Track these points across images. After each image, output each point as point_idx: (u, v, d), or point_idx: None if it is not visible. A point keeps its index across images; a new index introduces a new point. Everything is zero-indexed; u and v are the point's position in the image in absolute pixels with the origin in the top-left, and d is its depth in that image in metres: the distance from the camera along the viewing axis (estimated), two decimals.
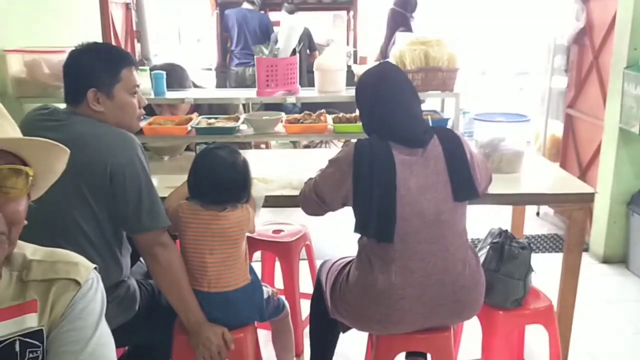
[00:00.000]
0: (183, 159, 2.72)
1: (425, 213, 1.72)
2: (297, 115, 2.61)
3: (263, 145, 4.87)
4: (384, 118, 1.79)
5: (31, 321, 0.96)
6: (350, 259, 1.97)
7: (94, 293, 1.04)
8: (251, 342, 1.91)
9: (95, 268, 1.07)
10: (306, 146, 5.41)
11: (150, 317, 1.87)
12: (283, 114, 2.57)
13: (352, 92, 2.60)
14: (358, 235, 1.82)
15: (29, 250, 1.02)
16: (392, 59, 2.50)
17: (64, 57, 1.81)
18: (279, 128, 2.49)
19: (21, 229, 0.94)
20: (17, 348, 0.94)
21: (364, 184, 1.73)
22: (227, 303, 1.83)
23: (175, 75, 2.74)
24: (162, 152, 2.73)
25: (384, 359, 1.87)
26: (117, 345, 1.85)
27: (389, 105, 1.78)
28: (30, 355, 0.96)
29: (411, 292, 1.73)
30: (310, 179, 1.96)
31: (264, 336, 2.33)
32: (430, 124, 2.17)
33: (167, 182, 2.13)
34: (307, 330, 2.42)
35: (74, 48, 1.80)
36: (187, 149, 2.84)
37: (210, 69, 6.80)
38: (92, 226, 1.69)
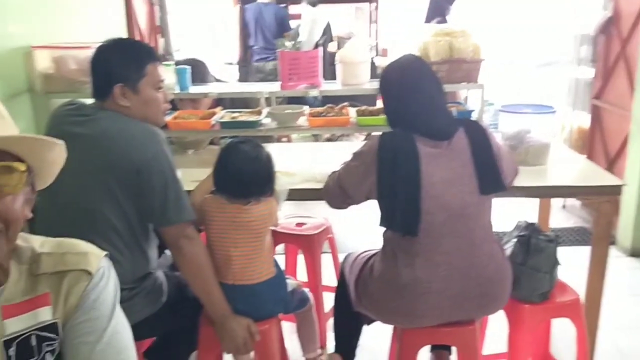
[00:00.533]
0: (207, 153, 2.74)
1: (450, 206, 1.71)
2: (319, 109, 2.61)
3: (285, 139, 4.88)
4: (409, 110, 1.78)
5: (45, 314, 0.96)
6: (374, 251, 1.97)
7: (106, 282, 1.03)
8: (276, 334, 1.92)
9: (106, 255, 1.06)
10: (328, 139, 5.39)
11: (177, 308, 1.90)
12: (306, 107, 2.57)
13: (375, 84, 2.61)
14: (381, 229, 1.82)
15: (37, 242, 1.01)
16: (416, 50, 2.48)
17: (90, 53, 1.83)
18: (302, 121, 2.49)
19: (21, 225, 0.92)
20: (34, 342, 0.95)
21: (388, 178, 1.72)
22: (252, 295, 1.85)
23: (197, 70, 2.76)
24: (187, 146, 2.75)
25: (409, 352, 1.87)
26: (145, 336, 1.91)
27: (413, 97, 1.77)
28: (47, 349, 0.96)
29: (436, 286, 1.72)
30: (334, 172, 1.96)
31: (288, 328, 2.34)
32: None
33: (192, 176, 2.15)
34: (330, 323, 2.44)
35: (100, 44, 1.82)
36: (211, 142, 2.86)
37: (232, 64, 6.83)
38: (120, 220, 1.72)
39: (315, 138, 5.25)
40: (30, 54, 2.47)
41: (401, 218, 1.71)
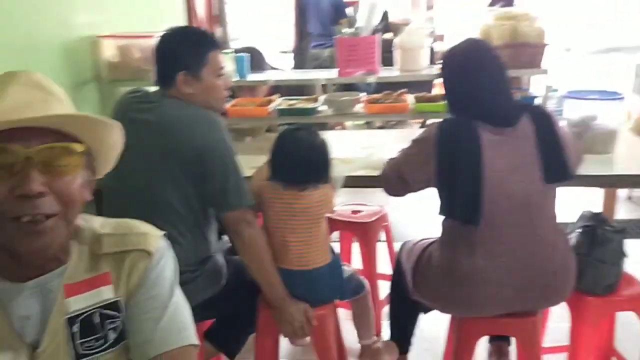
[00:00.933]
0: (264, 140, 2.76)
1: (513, 195, 1.66)
2: (377, 95, 2.59)
3: (339, 127, 4.87)
4: (471, 95, 1.73)
5: (107, 293, 0.99)
6: (432, 240, 1.94)
7: (165, 261, 1.05)
8: (332, 319, 1.93)
9: (164, 235, 1.08)
10: (380, 127, 5.35)
11: (236, 291, 1.93)
12: (364, 93, 2.56)
13: (434, 70, 2.56)
14: (439, 217, 1.79)
15: (97, 223, 1.03)
16: (478, 34, 2.42)
17: (153, 41, 1.87)
18: (358, 108, 2.48)
19: (79, 207, 0.93)
20: (97, 320, 0.97)
21: (448, 165, 1.69)
22: (308, 281, 1.86)
23: (254, 59, 2.79)
24: (244, 134, 2.79)
25: (467, 342, 1.85)
26: (205, 318, 1.96)
27: (476, 81, 1.73)
28: (110, 326, 0.99)
29: (497, 276, 1.68)
30: (392, 159, 1.95)
31: (343, 315, 2.35)
32: None
33: (250, 163, 2.17)
34: (385, 311, 2.44)
35: (164, 32, 1.86)
36: (268, 130, 2.89)
37: (287, 52, 6.85)
38: (182, 204, 1.77)
39: (369, 125, 5.22)
40: (96, 43, 2.55)
41: (462, 206, 1.68)
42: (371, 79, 2.45)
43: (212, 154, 1.73)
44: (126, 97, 1.90)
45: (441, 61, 1.90)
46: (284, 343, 2.16)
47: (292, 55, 6.70)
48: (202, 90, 1.83)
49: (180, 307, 1.04)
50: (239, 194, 1.77)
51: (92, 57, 2.55)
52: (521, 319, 1.79)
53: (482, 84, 1.73)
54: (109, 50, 2.59)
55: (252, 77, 2.65)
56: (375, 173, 2.06)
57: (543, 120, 1.72)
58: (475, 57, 1.78)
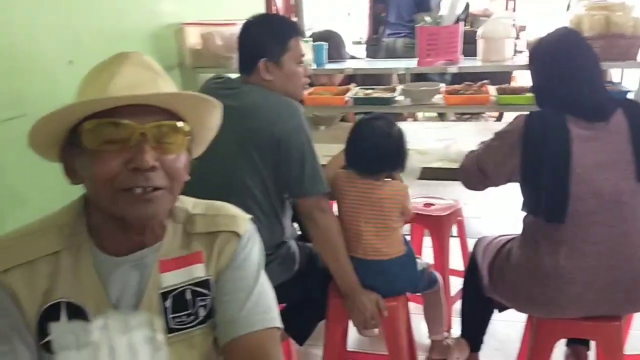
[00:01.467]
0: (338, 129, 2.77)
1: (603, 193, 1.58)
2: (457, 86, 2.53)
3: (410, 119, 4.80)
4: (562, 88, 1.65)
5: (199, 271, 1.01)
6: (511, 236, 1.88)
7: (252, 244, 1.07)
8: (403, 312, 1.91)
9: (251, 219, 1.11)
10: (451, 119, 5.21)
11: (308, 277, 1.95)
12: (442, 84, 2.50)
13: (518, 61, 2.47)
14: (517, 213, 1.73)
15: (190, 204, 1.06)
16: (568, 24, 2.30)
17: (234, 29, 1.91)
18: (437, 99, 2.43)
19: (182, 185, 0.97)
20: (188, 296, 1.00)
21: (534, 160, 1.63)
22: (381, 272, 1.85)
23: (333, 43, 2.77)
24: (319, 122, 2.80)
25: (544, 343, 1.78)
26: (277, 302, 1.98)
27: (568, 73, 1.65)
28: (201, 304, 1.01)
29: (582, 277, 1.61)
30: (472, 151, 1.89)
31: (413, 308, 2.32)
32: None
33: (323, 152, 2.18)
34: (456, 307, 2.38)
35: (247, 20, 1.89)
36: (342, 119, 2.89)
37: (360, 42, 6.80)
38: (259, 189, 1.79)
39: (441, 117, 5.11)
40: (181, 30, 2.62)
41: (547, 203, 1.61)
42: (452, 69, 2.39)
43: (290, 140, 1.74)
44: (209, 83, 1.94)
45: (529, 51, 1.83)
46: (351, 332, 2.16)
47: (365, 46, 6.65)
48: (282, 77, 1.84)
49: (266, 291, 1.06)
50: (315, 181, 1.78)
51: (176, 44, 2.62)
52: (605, 323, 1.70)
53: (573, 76, 1.65)
54: (192, 38, 2.65)
55: (330, 65, 2.64)
56: (453, 165, 2.02)
57: (638, 116, 1.62)
58: (566, 48, 1.69)
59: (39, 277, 0.92)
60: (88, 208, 0.98)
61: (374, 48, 6.33)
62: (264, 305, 1.03)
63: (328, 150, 2.10)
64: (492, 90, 2.43)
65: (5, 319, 0.90)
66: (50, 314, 0.91)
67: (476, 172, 1.82)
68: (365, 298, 1.81)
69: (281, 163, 1.76)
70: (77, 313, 0.92)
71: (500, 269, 1.82)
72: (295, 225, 2.10)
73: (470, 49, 2.55)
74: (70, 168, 0.95)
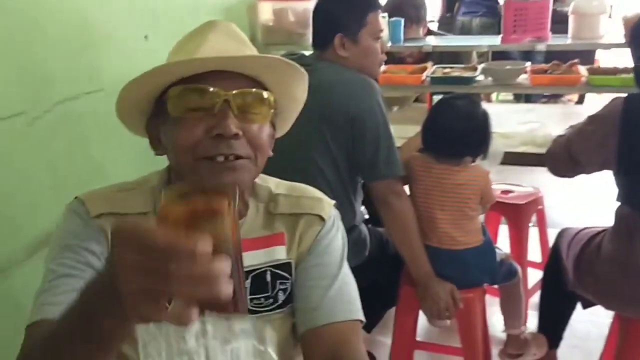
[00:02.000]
0: (412, 110, 2.68)
1: None
2: (544, 65, 2.36)
3: (483, 100, 4.58)
4: None
5: (280, 253, 0.97)
6: (599, 229, 1.76)
7: (336, 230, 1.02)
8: (479, 304, 1.82)
9: (334, 205, 1.06)
10: (527, 100, 4.94)
11: (378, 263, 1.89)
12: (528, 63, 2.34)
13: (614, 39, 2.28)
14: (604, 203, 1.60)
15: (273, 183, 1.02)
16: None
17: (308, 5, 1.85)
18: (522, 79, 2.28)
19: (266, 158, 0.92)
20: (268, 278, 0.96)
21: (632, 147, 1.49)
22: (456, 261, 1.77)
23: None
24: (392, 103, 2.70)
25: (634, 343, 1.64)
26: None
27: None
28: (280, 287, 0.97)
29: None
30: (561, 136, 1.76)
31: (487, 300, 2.22)
32: None
33: (397, 133, 2.10)
34: (533, 301, 2.27)
35: None
36: (417, 100, 2.78)
37: (432, 21, 6.59)
38: (331, 170, 1.74)
39: (516, 99, 4.87)
40: (254, 6, 2.59)
41: None
42: (540, 47, 2.23)
43: (365, 120, 1.67)
44: None
45: (630, 29, 1.67)
46: (421, 322, 2.09)
47: (437, 25, 6.44)
48: (359, 53, 1.77)
49: (349, 281, 1.00)
50: (390, 163, 1.71)
51: (248, 20, 2.59)
52: None
53: None
54: (265, 14, 2.62)
55: (408, 42, 2.53)
56: (539, 150, 1.89)
57: None
58: None
59: None
60: (171, 179, 0.96)
61: (447, 28, 6.11)
62: (347, 295, 0.97)
63: (401, 131, 2.02)
64: (582, 70, 2.26)
65: (93, 251, 0.89)
66: None
67: (566, 158, 1.69)
68: (439, 288, 1.73)
69: (355, 144, 1.70)
70: None
71: (588, 263, 1.71)
72: (363, 208, 2.03)
73: (555, 29, 2.38)
74: (155, 138, 0.93)
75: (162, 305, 0.52)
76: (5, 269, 1.32)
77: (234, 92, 0.85)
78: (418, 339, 2.12)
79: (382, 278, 1.92)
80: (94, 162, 1.64)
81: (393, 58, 2.77)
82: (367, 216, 2.08)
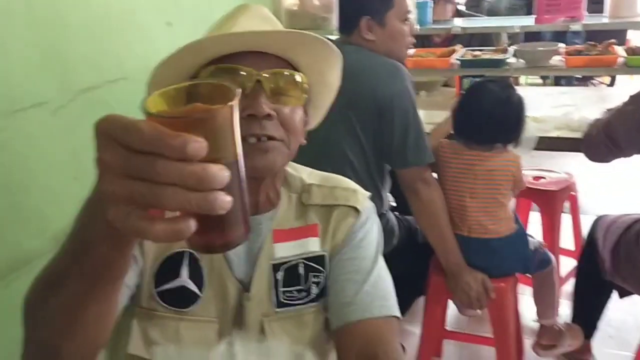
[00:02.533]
0: (440, 95, 2.61)
1: None
2: (578, 46, 2.27)
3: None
4: None
5: (314, 245, 0.94)
6: (637, 216, 1.69)
7: (372, 223, 0.99)
8: (512, 293, 1.77)
9: (369, 197, 1.02)
10: (557, 83, 4.80)
11: (406, 252, 1.85)
12: (562, 44, 2.25)
13: None
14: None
15: (305, 173, 1.00)
16: None
17: None
18: (555, 61, 2.19)
19: (298, 144, 0.90)
20: (301, 271, 0.93)
21: None
22: (488, 250, 1.72)
23: None
24: (420, 87, 2.63)
25: None
26: None
27: None
28: (314, 280, 0.93)
29: None
30: (598, 119, 1.69)
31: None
32: None
33: (424, 119, 2.05)
34: (565, 289, 2.22)
35: None
36: (445, 84, 2.70)
37: (459, 3, 6.45)
38: (358, 157, 1.70)
39: (544, 82, 4.74)
40: None
41: None
42: (575, 27, 2.13)
43: (393, 106, 1.63)
44: None
45: None
46: (451, 311, 2.05)
47: (465, 7, 6.29)
48: (386, 37, 1.72)
49: (384, 275, 0.96)
50: (419, 150, 1.66)
51: (272, 5, 2.55)
52: None
53: None
54: None
55: (437, 24, 2.46)
56: (574, 135, 1.82)
57: None
58: None
59: None
60: None
61: (475, 9, 5.97)
62: (382, 290, 0.93)
63: (429, 117, 1.97)
64: (619, 51, 2.16)
65: None
66: (170, 265, 0.87)
67: (604, 140, 1.62)
68: (470, 277, 1.69)
69: (382, 130, 1.66)
70: (195, 270, 0.87)
71: (627, 253, 1.66)
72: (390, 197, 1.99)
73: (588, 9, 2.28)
74: None
75: (151, 216, 0.43)
76: (31, 259, 1.32)
77: (266, 72, 0.83)
78: (447, 328, 2.09)
79: (410, 267, 1.87)
80: None
81: (420, 41, 2.71)
82: (394, 204, 2.04)
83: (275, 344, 0.81)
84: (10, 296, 1.27)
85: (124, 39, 1.65)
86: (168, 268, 0.87)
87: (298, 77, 0.87)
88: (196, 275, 0.88)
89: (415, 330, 2.00)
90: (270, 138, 0.83)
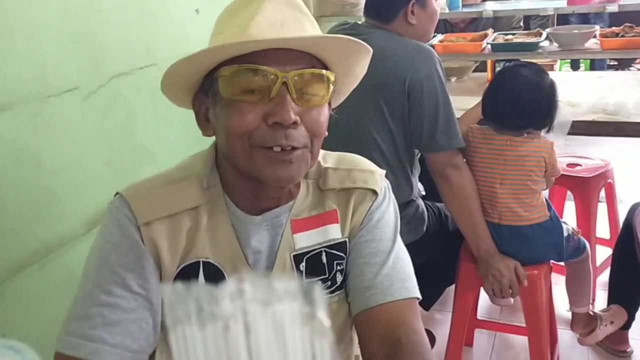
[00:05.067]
0: (470, 81, 2.57)
1: None
2: (615, 29, 2.20)
3: None
4: None
5: (334, 232, 0.91)
6: None
7: (388, 202, 0.96)
8: (545, 281, 1.73)
9: (385, 174, 0.99)
10: (592, 69, 4.67)
11: (437, 239, 1.82)
12: (597, 26, 2.18)
13: None
14: None
15: (320, 155, 0.95)
16: None
17: None
18: (591, 44, 2.13)
19: (321, 143, 0.85)
20: (324, 260, 0.91)
21: None
22: (520, 237, 1.68)
23: None
24: (450, 73, 2.60)
25: None
26: None
27: None
28: (338, 268, 0.91)
29: None
30: None
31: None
32: None
33: (455, 105, 2.01)
34: (601, 279, 2.17)
35: None
36: (475, 70, 2.66)
37: None
38: (386, 142, 1.67)
39: (574, 67, 4.62)
40: None
41: None
42: (611, 8, 2.07)
43: (422, 88, 1.60)
44: (335, 29, 1.83)
45: None
46: (482, 300, 2.02)
47: None
48: (426, 18, 1.71)
49: (403, 255, 0.94)
50: (449, 134, 1.63)
51: None
52: None
53: None
54: None
55: (466, 9, 2.41)
56: (609, 118, 1.77)
57: None
58: None
59: (181, 232, 0.85)
60: (219, 160, 0.89)
61: None
62: (402, 272, 0.91)
63: (460, 103, 1.93)
64: None
65: (136, 273, 0.82)
66: (187, 274, 0.84)
67: None
68: (502, 265, 1.65)
69: (412, 114, 1.63)
70: (215, 276, 0.85)
71: None
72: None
73: None
74: (203, 117, 0.87)
75: None
76: (65, 242, 1.35)
77: (292, 73, 0.78)
78: (479, 317, 2.06)
79: (440, 254, 1.85)
80: (148, 137, 1.64)
81: (444, 25, 2.66)
82: (423, 192, 2.01)
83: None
84: (45, 278, 1.30)
85: (154, 26, 1.66)
86: (183, 280, 0.85)
87: (326, 74, 0.82)
88: (216, 281, 0.86)
89: (445, 319, 1.98)
90: (295, 148, 0.80)
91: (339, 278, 0.92)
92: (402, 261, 0.93)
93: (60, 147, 1.33)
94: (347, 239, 0.92)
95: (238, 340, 0.46)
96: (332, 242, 0.91)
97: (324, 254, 0.91)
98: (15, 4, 1.23)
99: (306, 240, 0.90)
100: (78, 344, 0.77)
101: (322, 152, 0.96)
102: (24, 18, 1.24)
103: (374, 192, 0.94)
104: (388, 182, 1.00)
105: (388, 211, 0.95)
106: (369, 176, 0.95)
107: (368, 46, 0.85)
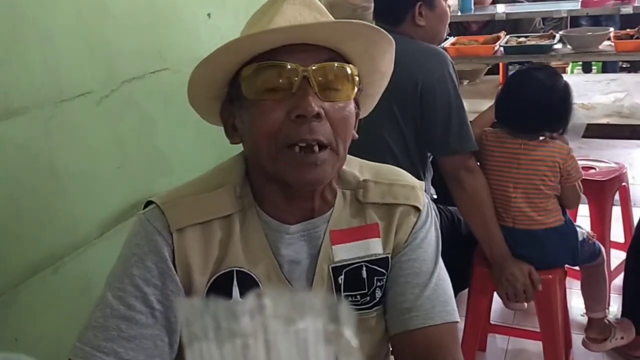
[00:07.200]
0: (483, 84, 2.55)
1: None
2: (630, 30, 2.17)
3: None
4: None
5: (376, 247, 0.89)
6: None
7: (432, 220, 0.93)
8: (560, 286, 1.72)
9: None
10: (604, 72, 4.62)
11: (450, 243, 1.77)
12: (611, 28, 2.16)
13: None
14: None
15: (356, 166, 0.93)
16: None
17: None
18: (604, 47, 2.11)
19: (349, 144, 0.83)
20: (364, 274, 0.88)
21: None
22: (534, 242, 1.67)
23: None
24: (462, 76, 2.58)
25: None
26: None
27: None
28: (378, 284, 0.89)
29: None
30: None
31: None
32: None
33: (468, 108, 2.00)
34: (615, 283, 2.15)
35: None
36: (488, 73, 2.64)
37: None
38: (399, 145, 1.67)
39: (586, 69, 4.57)
40: None
41: None
42: (626, 9, 2.05)
43: (435, 90, 1.59)
44: None
45: None
46: (496, 304, 2.00)
47: None
48: (435, 19, 1.70)
49: (444, 277, 0.92)
50: (462, 137, 1.62)
51: None
52: None
53: None
54: None
55: (479, 11, 2.40)
56: (625, 121, 1.75)
57: None
58: None
59: (213, 241, 0.84)
60: (248, 169, 0.88)
61: None
62: (444, 294, 0.88)
63: (473, 106, 1.92)
64: None
65: (158, 289, 0.81)
66: (221, 284, 0.83)
67: None
68: (516, 269, 1.64)
69: (424, 116, 1.62)
70: (250, 285, 0.82)
71: None
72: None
73: None
74: (231, 126, 0.86)
75: None
76: (78, 246, 1.35)
77: (313, 67, 0.77)
78: (492, 321, 2.04)
79: (454, 259, 1.82)
80: (161, 141, 1.64)
81: (457, 27, 2.65)
82: (435, 196, 2.00)
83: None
84: (58, 282, 1.30)
85: (167, 30, 1.66)
86: (217, 290, 0.83)
87: (349, 69, 0.81)
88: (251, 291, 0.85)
89: (459, 323, 1.96)
90: (320, 145, 0.78)
91: (378, 294, 0.89)
92: (444, 283, 0.90)
93: (73, 152, 1.33)
94: (389, 255, 0.90)
95: (258, 359, 0.43)
96: (373, 257, 0.89)
97: (364, 268, 0.88)
98: (29, 9, 1.23)
99: (346, 252, 0.88)
100: (91, 355, 0.76)
101: (357, 161, 0.95)
102: (38, 23, 1.25)
103: (417, 210, 0.91)
104: (429, 198, 0.99)
105: (431, 230, 0.93)
106: (411, 192, 0.92)
107: (388, 35, 0.83)
